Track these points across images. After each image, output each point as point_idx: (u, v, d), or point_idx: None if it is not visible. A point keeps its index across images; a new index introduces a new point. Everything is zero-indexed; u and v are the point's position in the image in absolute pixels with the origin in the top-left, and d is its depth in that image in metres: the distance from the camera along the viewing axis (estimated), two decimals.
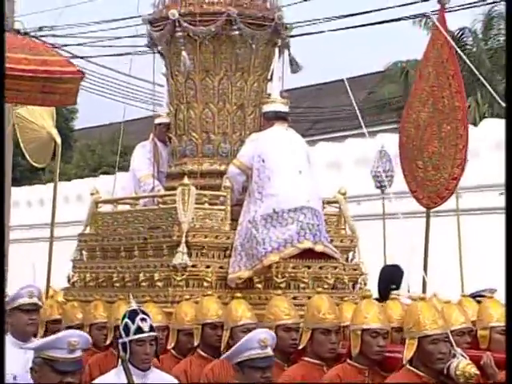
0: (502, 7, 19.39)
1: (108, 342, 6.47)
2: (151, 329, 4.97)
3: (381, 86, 23.47)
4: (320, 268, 6.54)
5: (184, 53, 7.09)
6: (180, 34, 7.11)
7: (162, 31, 7.25)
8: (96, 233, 7.51)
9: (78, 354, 4.45)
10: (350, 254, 7.11)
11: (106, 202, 7.66)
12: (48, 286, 8.44)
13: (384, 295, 6.69)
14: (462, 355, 4.82)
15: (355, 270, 6.93)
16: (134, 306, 5.08)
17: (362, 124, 6.85)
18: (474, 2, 15.28)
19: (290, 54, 7.38)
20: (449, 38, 7.78)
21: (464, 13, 15.22)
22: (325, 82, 27.11)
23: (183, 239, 6.53)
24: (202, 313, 5.89)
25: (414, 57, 19.64)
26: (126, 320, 4.99)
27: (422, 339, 4.77)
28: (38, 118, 8.43)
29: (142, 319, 4.95)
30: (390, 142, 11.59)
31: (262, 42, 7.28)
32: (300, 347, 5.41)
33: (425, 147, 7.82)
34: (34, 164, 8.99)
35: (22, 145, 8.84)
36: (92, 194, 7.64)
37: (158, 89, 7.98)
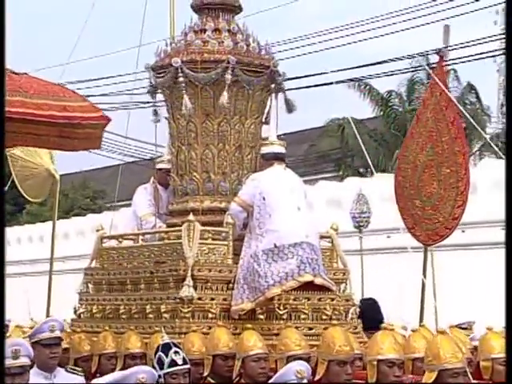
0: (422, 74, 20.98)
1: (117, 370, 6.32)
2: (184, 361, 4.83)
3: (321, 140, 24.12)
4: (319, 300, 6.44)
5: (186, 97, 7.01)
6: (182, 79, 7.02)
7: (165, 77, 7.16)
8: (102, 267, 7.34)
9: None
10: (342, 286, 7.03)
11: (110, 237, 7.51)
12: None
13: (373, 327, 6.59)
14: None
15: (348, 301, 6.85)
16: (166, 339, 4.94)
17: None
18: (400, 70, 16.62)
19: (285, 95, 7.33)
20: (442, 86, 7.79)
21: (391, 78, 16.98)
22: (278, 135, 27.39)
23: (189, 273, 6.40)
24: (214, 344, 5.73)
25: (350, 114, 21.41)
26: (160, 353, 4.86)
27: (441, 372, 4.64)
28: (35, 157, 8.30)
29: (176, 352, 4.83)
30: (366, 185, 11.72)
31: (258, 87, 7.22)
32: (316, 378, 5.28)
33: (423, 188, 7.79)
34: (30, 199, 8.82)
35: (17, 183, 8.70)
36: (97, 231, 7.51)
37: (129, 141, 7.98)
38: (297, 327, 6.22)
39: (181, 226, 6.94)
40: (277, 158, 6.84)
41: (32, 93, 5.92)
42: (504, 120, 20.56)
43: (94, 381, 5.01)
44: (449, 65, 8.76)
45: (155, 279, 6.69)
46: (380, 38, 14.57)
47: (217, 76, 7.00)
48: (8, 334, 7.59)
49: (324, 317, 6.39)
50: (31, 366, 5.15)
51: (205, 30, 7.25)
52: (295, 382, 4.34)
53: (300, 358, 5.24)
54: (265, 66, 7.21)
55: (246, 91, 7.12)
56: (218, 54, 7.06)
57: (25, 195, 8.66)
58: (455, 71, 21.16)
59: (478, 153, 21.12)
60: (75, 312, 7.45)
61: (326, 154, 23.28)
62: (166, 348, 4.88)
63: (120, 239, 7.39)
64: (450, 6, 13.45)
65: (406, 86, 21.94)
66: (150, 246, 6.96)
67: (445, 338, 4.69)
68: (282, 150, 6.92)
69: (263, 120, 7.39)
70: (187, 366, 4.84)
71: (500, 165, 10.00)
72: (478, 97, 22.06)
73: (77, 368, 6.20)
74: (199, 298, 6.41)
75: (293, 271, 6.36)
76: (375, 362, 4.95)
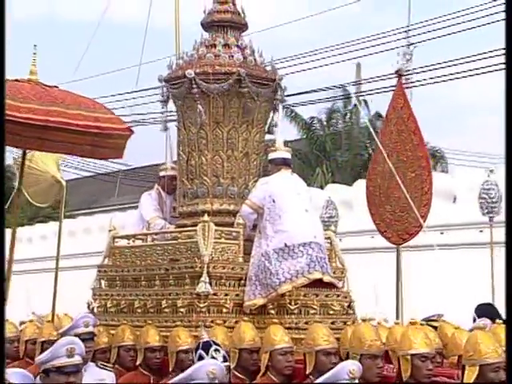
0: (339, 103, 22.60)
1: (138, 362, 6.07)
2: (224, 359, 4.58)
3: None
4: (326, 296, 6.23)
5: (200, 106, 6.80)
6: (195, 90, 6.81)
7: (178, 88, 6.95)
8: (114, 264, 7.09)
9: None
10: (341, 283, 6.86)
11: (123, 237, 7.24)
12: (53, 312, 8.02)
13: None
14: None
15: (346, 297, 6.68)
16: (206, 337, 4.68)
17: None
18: (320, 99, 17.58)
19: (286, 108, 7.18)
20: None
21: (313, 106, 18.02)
22: None
23: (205, 270, 6.18)
24: (240, 338, 5.46)
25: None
26: (200, 351, 4.60)
27: (483, 367, 4.43)
28: (40, 164, 8.01)
29: (216, 350, 4.56)
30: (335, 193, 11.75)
31: (264, 98, 7.04)
32: None
33: (391, 193, 7.81)
34: (36, 204, 8.53)
35: (23, 189, 8.43)
36: (110, 231, 7.25)
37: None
38: (306, 322, 6.06)
39: (191, 226, 6.75)
40: (285, 163, 6.68)
41: (67, 103, 5.73)
42: None
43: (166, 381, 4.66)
44: (407, 83, 8.73)
45: (170, 276, 6.44)
46: (307, 71, 15.15)
47: (228, 87, 6.81)
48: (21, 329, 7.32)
49: (331, 312, 6.20)
50: None
51: (215, 45, 7.05)
52: (348, 381, 4.10)
53: (328, 352, 5.05)
54: (271, 79, 7.04)
55: (254, 101, 6.94)
56: (228, 67, 6.86)
57: (30, 200, 8.35)
58: (365, 102, 22.31)
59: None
60: (88, 307, 7.17)
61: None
62: (206, 346, 4.63)
63: (133, 239, 7.15)
64: (362, 46, 14.59)
65: (326, 113, 23.19)
66: (163, 244, 6.71)
67: (484, 334, 4.49)
68: (289, 155, 6.76)
69: (266, 129, 7.23)
70: (227, 364, 4.59)
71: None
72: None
73: (108, 364, 5.93)
74: (214, 294, 6.18)
75: (303, 269, 6.17)
76: (409, 357, 4.73)
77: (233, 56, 6.94)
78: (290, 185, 6.56)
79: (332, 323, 6.09)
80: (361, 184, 11.36)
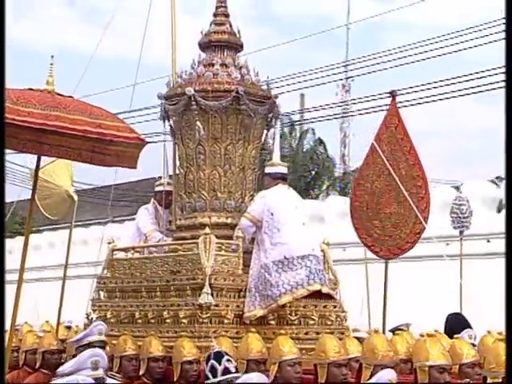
0: (285, 129, 22.37)
1: (141, 372, 5.81)
2: (236, 369, 4.33)
3: None
4: (324, 307, 6.04)
5: (198, 123, 6.58)
6: (195, 107, 6.60)
7: (177, 105, 6.72)
8: (113, 276, 6.82)
9: None
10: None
11: (121, 249, 6.97)
12: (58, 322, 7.74)
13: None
14: None
15: (341, 308, 6.48)
16: (216, 347, 4.43)
17: None
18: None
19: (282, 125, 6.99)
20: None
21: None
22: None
23: (207, 281, 5.94)
24: (247, 349, 5.19)
25: None
26: (212, 362, 4.33)
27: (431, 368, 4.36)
28: (54, 178, 7.75)
29: (228, 360, 4.31)
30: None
31: (260, 116, 6.84)
32: (362, 382, 4.86)
33: (381, 209, 7.55)
34: (48, 216, 8.24)
35: (36, 200, 8.14)
36: (109, 243, 6.99)
37: None
38: (306, 332, 5.85)
39: (190, 239, 6.51)
40: (281, 177, 6.48)
41: (70, 109, 5.41)
42: (344, 166, 22.71)
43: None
44: (400, 102, 8.58)
45: (172, 287, 6.18)
46: None
47: (226, 104, 6.60)
48: (20, 338, 7.00)
49: (329, 322, 6.00)
50: None
51: (213, 64, 6.84)
52: None
53: (340, 364, 4.82)
54: (267, 97, 6.85)
55: (251, 119, 6.74)
56: (227, 85, 6.65)
57: (43, 212, 8.08)
58: (308, 130, 22.83)
59: (325, 191, 23.09)
60: (87, 317, 6.88)
61: None
62: (218, 356, 4.38)
63: (133, 251, 6.88)
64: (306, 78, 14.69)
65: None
66: (163, 256, 6.45)
67: (432, 341, 4.35)
68: (285, 170, 6.57)
69: (259, 145, 7.03)
70: (239, 374, 4.35)
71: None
72: (325, 148, 23.77)
73: (117, 374, 5.65)
74: (216, 305, 5.92)
75: (302, 280, 5.96)
76: (426, 368, 4.51)
77: (230, 74, 6.74)
78: (287, 198, 6.36)
79: (330, 333, 5.87)
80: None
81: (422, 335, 4.78)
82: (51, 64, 6.00)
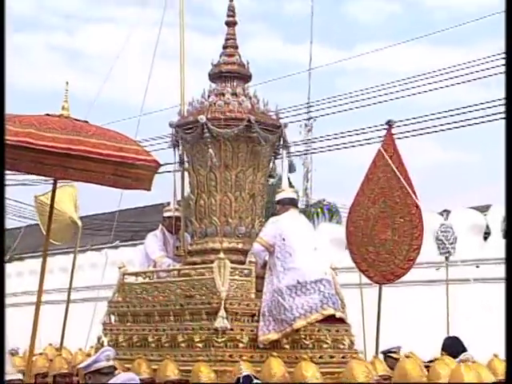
0: None
1: None
2: None
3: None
4: (336, 331, 5.84)
5: (211, 150, 6.41)
6: (207, 134, 6.43)
7: (190, 133, 6.55)
8: (124, 300, 6.57)
9: None
10: None
11: (132, 274, 6.73)
12: (62, 344, 7.47)
13: None
14: None
15: (351, 332, 6.28)
16: (245, 371, 4.22)
17: None
18: None
19: (290, 158, 6.83)
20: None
21: None
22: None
23: (222, 306, 5.73)
24: (270, 373, 4.98)
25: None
26: None
27: None
28: (59, 204, 7.50)
29: None
30: None
31: (269, 144, 6.70)
32: None
33: (376, 235, 7.42)
34: (52, 242, 7.97)
35: (40, 225, 7.90)
36: (120, 268, 6.75)
37: None
38: (320, 356, 5.65)
39: (201, 263, 6.31)
40: (292, 203, 6.31)
41: (91, 133, 5.25)
42: (307, 198, 21.85)
43: None
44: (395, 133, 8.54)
45: (186, 311, 5.94)
46: None
47: (238, 132, 6.44)
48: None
49: (341, 346, 5.80)
50: None
51: (223, 94, 6.68)
52: None
53: None
54: (276, 126, 6.71)
55: (260, 147, 6.58)
56: (238, 113, 6.48)
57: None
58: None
59: None
60: (98, 341, 6.62)
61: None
62: (247, 380, 4.18)
63: (144, 276, 6.64)
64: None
65: None
66: (177, 281, 6.23)
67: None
68: (295, 196, 6.40)
69: (267, 173, 6.86)
70: None
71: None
72: (290, 183, 24.00)
73: None
74: (231, 329, 5.72)
75: (316, 305, 5.76)
76: None
77: (241, 104, 6.58)
78: (298, 224, 6.18)
79: (342, 357, 5.70)
80: None
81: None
82: (66, 90, 5.83)
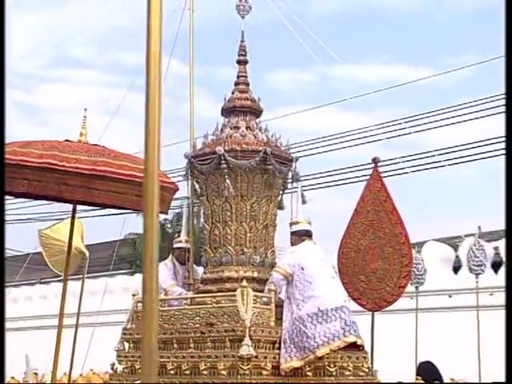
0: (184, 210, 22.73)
1: None
2: None
3: (121, 248, 23.73)
4: (357, 358, 5.49)
5: (228, 181, 6.05)
6: (224, 165, 6.08)
7: (207, 164, 6.18)
8: (138, 327, 6.09)
9: None
10: None
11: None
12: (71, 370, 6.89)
13: None
14: None
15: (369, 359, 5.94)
16: None
17: None
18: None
19: (301, 189, 6.51)
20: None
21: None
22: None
23: (247, 333, 5.32)
24: None
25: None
26: None
27: None
28: (65, 237, 7.02)
29: None
30: None
31: (281, 176, 6.38)
32: None
33: (367, 265, 7.18)
34: (57, 272, 7.44)
35: (45, 257, 7.38)
36: (134, 295, 6.28)
37: None
38: (345, 383, 5.28)
39: (216, 292, 5.89)
40: (307, 234, 5.97)
41: (113, 155, 4.88)
42: None
43: None
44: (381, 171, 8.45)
45: (208, 339, 5.51)
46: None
47: (255, 163, 6.10)
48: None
49: (361, 373, 5.43)
50: None
51: (238, 127, 6.36)
52: None
53: None
54: (289, 159, 6.40)
55: (274, 179, 6.25)
56: (254, 146, 6.14)
57: (52, 268, 7.29)
58: None
59: None
60: (112, 368, 6.11)
61: (123, 257, 22.36)
62: None
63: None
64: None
65: (175, 215, 22.08)
66: (195, 308, 5.79)
67: None
68: (310, 227, 6.07)
69: (278, 204, 6.51)
70: None
71: None
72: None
73: None
74: (255, 356, 5.30)
75: (338, 332, 5.39)
76: None
77: (256, 136, 6.26)
78: (315, 254, 5.84)
79: None
80: None
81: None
82: (84, 116, 5.46)
